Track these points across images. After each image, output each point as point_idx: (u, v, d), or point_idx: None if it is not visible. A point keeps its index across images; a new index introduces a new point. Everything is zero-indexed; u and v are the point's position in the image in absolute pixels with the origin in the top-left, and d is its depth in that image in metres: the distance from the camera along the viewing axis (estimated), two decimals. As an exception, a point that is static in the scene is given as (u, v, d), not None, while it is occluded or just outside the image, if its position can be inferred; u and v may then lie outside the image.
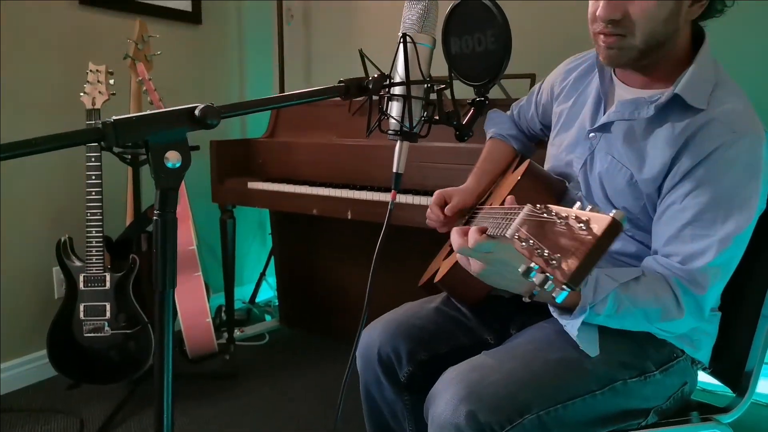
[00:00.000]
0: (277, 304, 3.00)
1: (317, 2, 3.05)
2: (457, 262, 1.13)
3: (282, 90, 3.00)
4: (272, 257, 2.94)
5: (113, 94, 2.09)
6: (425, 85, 0.89)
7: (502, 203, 1.00)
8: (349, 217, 2.06)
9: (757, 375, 1.17)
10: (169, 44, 2.58)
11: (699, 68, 1.03)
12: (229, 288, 2.52)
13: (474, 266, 0.97)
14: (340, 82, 0.83)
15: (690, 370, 1.15)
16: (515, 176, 1.19)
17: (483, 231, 0.89)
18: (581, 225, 0.64)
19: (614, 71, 1.17)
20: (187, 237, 2.21)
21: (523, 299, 0.97)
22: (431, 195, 1.89)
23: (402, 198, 1.93)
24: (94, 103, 2.06)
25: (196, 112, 0.70)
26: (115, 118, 0.66)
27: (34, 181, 2.25)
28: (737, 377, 1.18)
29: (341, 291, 2.60)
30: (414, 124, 0.87)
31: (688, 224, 0.99)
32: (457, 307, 1.31)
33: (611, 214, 0.61)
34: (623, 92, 1.14)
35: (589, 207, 0.65)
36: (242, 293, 3.12)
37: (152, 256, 0.72)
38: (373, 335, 1.28)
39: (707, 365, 1.18)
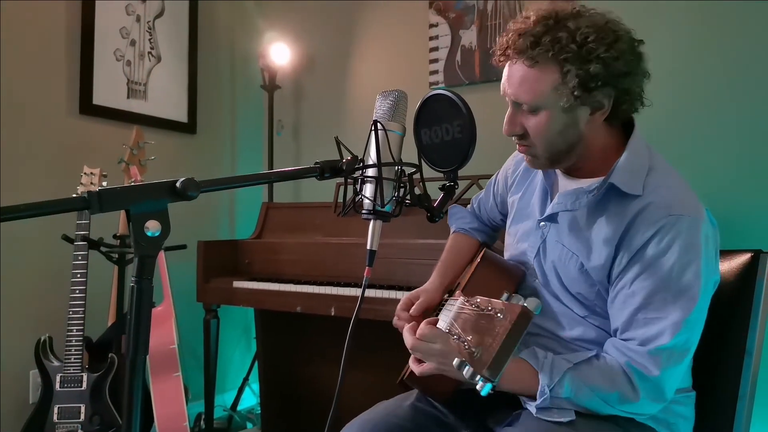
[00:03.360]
0: (259, 411, 2.90)
1: (306, 113, 3.24)
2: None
3: (271, 196, 3.10)
4: (256, 362, 2.88)
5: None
6: (396, 168, 0.95)
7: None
8: (333, 313, 2.06)
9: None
10: (164, 151, 2.70)
11: (631, 156, 1.07)
12: (210, 391, 2.45)
13: (425, 367, 1.08)
14: (316, 163, 0.90)
15: None
16: (471, 267, 1.23)
17: (432, 322, 1.00)
18: (499, 314, 0.67)
19: None
20: (169, 336, 2.18)
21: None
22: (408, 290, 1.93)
23: (386, 293, 1.95)
24: (86, 204, 2.12)
25: (177, 184, 0.74)
26: (100, 188, 0.71)
27: (18, 283, 2.26)
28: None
29: (328, 397, 2.53)
30: (385, 203, 0.92)
31: (640, 309, 1.02)
32: (432, 403, 1.29)
33: (522, 303, 0.64)
34: (565, 182, 1.19)
35: (506, 296, 0.69)
36: (224, 400, 3.02)
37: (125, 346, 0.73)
38: None
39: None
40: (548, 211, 1.17)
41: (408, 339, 1.12)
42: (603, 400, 1.02)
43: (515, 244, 1.28)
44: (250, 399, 3.11)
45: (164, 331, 2.16)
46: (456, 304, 0.81)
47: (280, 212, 2.69)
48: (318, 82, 3.19)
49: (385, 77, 2.96)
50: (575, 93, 1.02)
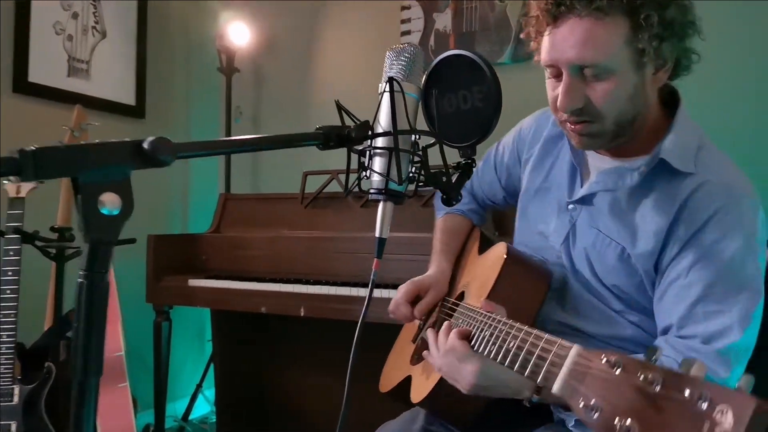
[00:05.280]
0: (214, 420, 2.68)
1: (267, 99, 3.05)
2: (441, 379, 0.98)
3: (228, 187, 2.87)
4: (211, 367, 2.66)
5: (41, 182, 1.90)
6: (414, 138, 0.78)
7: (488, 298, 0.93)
8: (302, 314, 1.88)
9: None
10: (107, 136, 2.42)
11: (680, 130, 0.97)
12: (160, 402, 2.22)
13: (463, 384, 0.91)
14: (318, 128, 0.72)
15: None
16: (491, 267, 1.05)
17: (466, 337, 0.88)
18: (702, 402, 0.46)
19: None
20: (114, 342, 1.95)
21: (523, 403, 0.86)
22: (393, 288, 1.77)
23: (362, 291, 1.78)
24: (18, 192, 1.87)
25: (145, 144, 0.56)
26: (37, 146, 0.51)
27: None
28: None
29: (294, 404, 2.34)
30: (402, 180, 0.75)
31: (699, 301, 0.89)
32: (444, 425, 1.12)
33: (741, 386, 0.45)
34: (598, 161, 1.06)
35: (654, 357, 0.50)
36: (174, 409, 2.78)
37: (71, 364, 0.54)
38: None
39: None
40: (583, 191, 1.03)
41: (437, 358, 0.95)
42: None
43: (533, 226, 1.14)
44: (204, 407, 2.88)
45: (110, 336, 1.92)
46: (569, 358, 0.58)
47: (239, 204, 2.49)
48: (280, 66, 3.00)
49: (353, 61, 2.79)
50: (653, 44, 0.89)
